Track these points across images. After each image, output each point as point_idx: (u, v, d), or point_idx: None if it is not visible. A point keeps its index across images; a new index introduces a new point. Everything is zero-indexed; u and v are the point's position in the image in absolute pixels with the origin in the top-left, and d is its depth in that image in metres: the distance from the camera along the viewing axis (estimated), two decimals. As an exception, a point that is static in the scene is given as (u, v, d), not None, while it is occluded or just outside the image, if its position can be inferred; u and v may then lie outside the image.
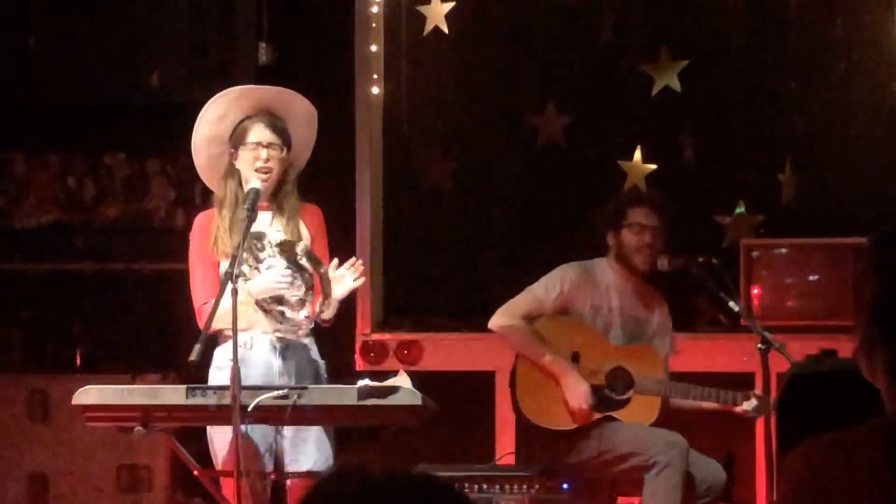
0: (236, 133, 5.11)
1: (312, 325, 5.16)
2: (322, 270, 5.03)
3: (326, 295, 5.05)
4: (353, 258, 5.11)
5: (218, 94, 5.15)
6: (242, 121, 5.11)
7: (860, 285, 2.46)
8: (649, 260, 5.97)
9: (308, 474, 5.03)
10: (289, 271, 5.04)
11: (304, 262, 5.05)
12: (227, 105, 5.12)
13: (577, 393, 5.83)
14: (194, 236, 5.17)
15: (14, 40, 7.62)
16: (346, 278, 5.03)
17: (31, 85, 7.65)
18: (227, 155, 5.12)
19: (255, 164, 5.06)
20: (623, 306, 6.02)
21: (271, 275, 5.03)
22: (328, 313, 5.10)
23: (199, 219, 5.21)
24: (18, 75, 7.64)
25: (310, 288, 5.11)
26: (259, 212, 5.06)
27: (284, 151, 5.11)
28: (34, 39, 7.64)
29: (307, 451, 5.04)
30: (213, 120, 5.13)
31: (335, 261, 5.06)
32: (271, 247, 5.09)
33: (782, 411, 2.94)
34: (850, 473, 2.15)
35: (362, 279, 5.09)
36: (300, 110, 5.20)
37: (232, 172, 5.11)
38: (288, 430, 5.01)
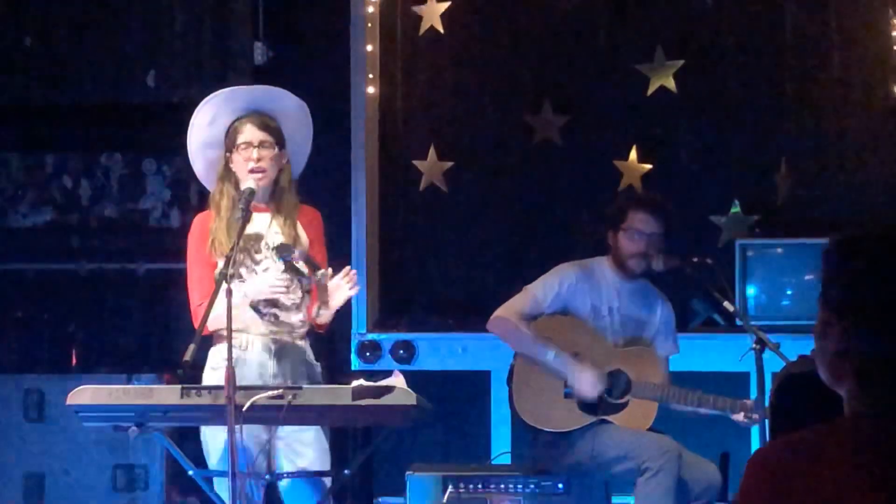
0: (229, 136, 5.11)
1: (307, 328, 5.16)
2: (319, 276, 5.03)
3: (324, 302, 5.06)
4: (347, 268, 5.11)
5: (206, 99, 5.15)
6: (233, 122, 5.11)
7: (823, 292, 2.39)
8: (642, 266, 5.95)
9: (302, 474, 5.03)
10: (285, 275, 5.04)
11: (300, 265, 5.05)
12: (216, 108, 5.12)
13: (586, 382, 5.82)
14: (192, 237, 5.17)
15: (10, 39, 7.62)
16: (342, 288, 5.04)
17: (26, 84, 7.65)
18: (223, 158, 5.12)
19: (248, 164, 5.05)
20: (623, 306, 5.99)
21: (267, 278, 5.03)
22: (323, 319, 5.11)
23: (198, 220, 5.21)
24: (14, 74, 7.64)
25: (306, 292, 5.12)
26: (257, 213, 5.07)
27: (278, 149, 5.11)
28: (30, 39, 7.64)
29: (303, 451, 5.04)
30: (204, 125, 5.14)
31: (329, 270, 5.06)
32: (268, 248, 5.09)
33: (776, 411, 2.94)
34: (814, 473, 2.14)
35: (357, 288, 5.10)
36: (291, 107, 5.19)
37: (228, 175, 5.11)
38: (284, 430, 5.01)
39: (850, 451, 2.15)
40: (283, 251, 5.05)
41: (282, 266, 5.05)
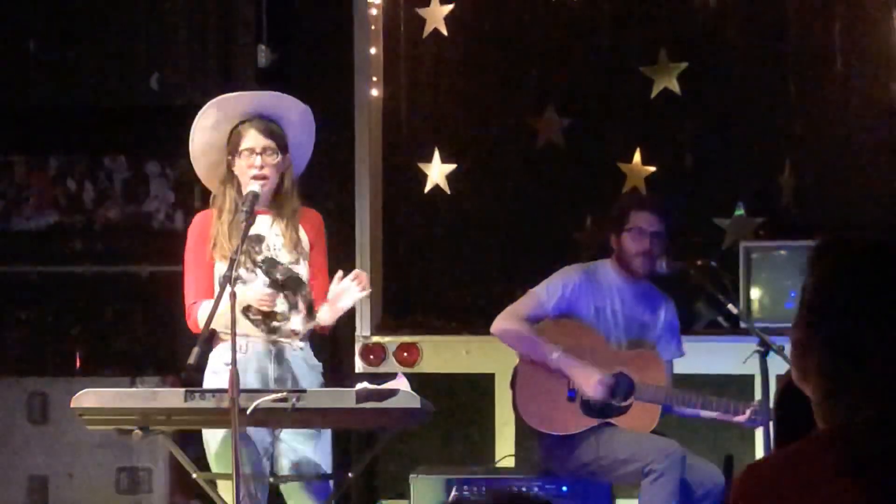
0: (231, 140, 5.09)
1: (308, 332, 5.15)
2: (304, 292, 5.04)
3: (331, 304, 5.05)
4: (357, 270, 5.11)
5: (209, 102, 5.13)
6: (236, 126, 5.10)
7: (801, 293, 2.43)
8: (649, 265, 5.95)
9: (305, 476, 5.03)
10: (270, 290, 5.01)
11: (285, 281, 5.05)
12: (220, 112, 5.10)
13: (593, 385, 5.81)
14: (191, 236, 5.16)
15: (14, 42, 7.62)
16: (350, 290, 5.03)
17: (30, 87, 7.65)
18: (225, 162, 5.11)
19: (251, 171, 5.04)
20: (626, 309, 5.99)
21: (254, 291, 5.00)
22: (327, 321, 5.10)
23: (197, 219, 5.20)
24: (18, 77, 7.64)
25: (298, 302, 5.10)
26: (259, 215, 5.06)
27: (280, 155, 5.09)
28: (34, 41, 7.64)
29: (305, 452, 5.04)
30: (206, 128, 5.12)
31: (339, 273, 5.06)
32: (269, 251, 5.08)
33: (779, 414, 2.93)
34: (803, 489, 2.14)
35: (368, 290, 5.10)
36: (295, 113, 5.18)
37: (230, 179, 5.10)
38: (287, 433, 5.01)
39: (837, 466, 2.14)
40: (269, 266, 5.04)
41: (266, 280, 5.04)
